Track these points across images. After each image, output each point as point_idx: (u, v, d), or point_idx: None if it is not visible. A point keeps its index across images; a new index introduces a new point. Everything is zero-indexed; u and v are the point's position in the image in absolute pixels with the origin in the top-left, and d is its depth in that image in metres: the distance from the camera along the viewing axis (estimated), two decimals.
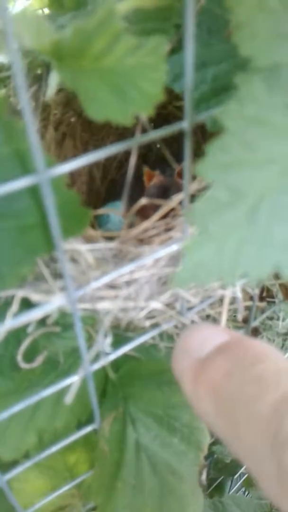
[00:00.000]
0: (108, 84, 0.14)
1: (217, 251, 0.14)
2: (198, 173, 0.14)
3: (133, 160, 0.21)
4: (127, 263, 0.23)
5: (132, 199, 0.38)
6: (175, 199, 0.22)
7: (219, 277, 0.15)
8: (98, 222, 0.36)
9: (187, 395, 0.18)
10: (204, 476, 0.30)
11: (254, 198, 0.14)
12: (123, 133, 0.40)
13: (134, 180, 0.38)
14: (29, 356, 0.27)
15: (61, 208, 0.16)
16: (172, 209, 0.24)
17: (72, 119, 0.34)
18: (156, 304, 0.24)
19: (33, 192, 0.16)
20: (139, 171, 0.38)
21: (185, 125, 0.18)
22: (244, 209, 0.14)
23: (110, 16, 0.14)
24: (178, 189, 0.38)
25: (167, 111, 0.37)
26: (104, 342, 0.23)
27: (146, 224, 0.23)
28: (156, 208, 0.25)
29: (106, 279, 0.20)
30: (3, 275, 0.17)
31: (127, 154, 0.42)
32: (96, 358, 0.25)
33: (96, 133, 0.38)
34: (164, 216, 0.24)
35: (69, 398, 0.22)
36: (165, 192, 0.38)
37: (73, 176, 0.37)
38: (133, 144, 0.17)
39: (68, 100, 0.32)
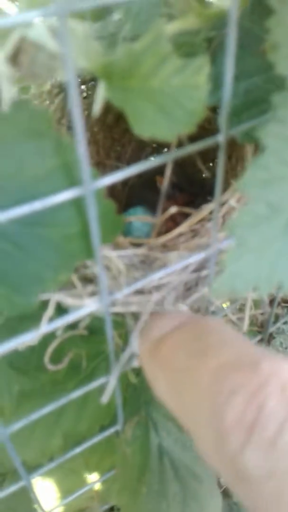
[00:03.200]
0: (154, 103, 0.16)
1: (255, 263, 0.15)
2: (239, 188, 0.15)
3: (168, 173, 0.23)
4: (155, 269, 0.24)
5: (148, 202, 0.39)
6: (206, 208, 0.23)
7: (255, 287, 0.16)
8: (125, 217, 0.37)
9: (145, 374, 0.19)
10: (222, 479, 0.31)
11: None
12: (144, 140, 0.41)
13: (147, 183, 0.39)
14: (54, 358, 0.28)
15: (100, 217, 0.17)
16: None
17: (95, 127, 0.35)
18: (182, 308, 0.25)
19: (76, 202, 0.17)
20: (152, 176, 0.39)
21: (220, 138, 0.19)
22: (281, 223, 0.15)
23: (158, 38, 0.15)
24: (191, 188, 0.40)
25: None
26: (134, 345, 0.25)
27: (175, 232, 0.24)
28: (182, 213, 0.26)
29: (137, 285, 0.22)
30: (45, 280, 0.18)
31: (146, 158, 0.43)
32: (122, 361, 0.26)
33: (117, 140, 0.39)
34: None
35: (105, 398, 0.24)
36: (178, 189, 0.39)
37: None
38: (169, 158, 0.19)
39: (89, 105, 0.33)
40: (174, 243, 0.26)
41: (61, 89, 0.30)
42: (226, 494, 0.66)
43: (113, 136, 0.38)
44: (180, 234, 0.26)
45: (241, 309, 0.32)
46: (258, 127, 0.15)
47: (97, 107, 0.17)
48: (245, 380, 0.14)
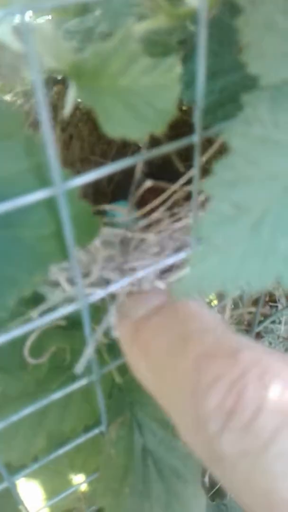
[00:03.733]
0: (124, 103, 0.16)
1: (221, 263, 0.15)
2: (205, 189, 0.15)
3: (137, 174, 0.23)
4: (133, 250, 0.24)
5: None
6: (180, 181, 0.24)
7: (222, 286, 0.16)
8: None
9: (126, 356, 0.19)
10: (206, 478, 0.31)
11: (258, 213, 0.15)
12: None
13: (132, 180, 0.39)
14: (37, 354, 0.28)
15: (74, 218, 0.17)
16: (178, 201, 0.25)
17: (80, 122, 0.35)
18: (160, 285, 0.25)
19: (49, 203, 0.17)
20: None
21: (195, 139, 0.19)
22: (248, 223, 0.15)
23: (127, 38, 0.15)
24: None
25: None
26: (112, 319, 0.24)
27: (150, 206, 0.24)
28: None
29: (113, 265, 0.22)
30: (19, 283, 0.18)
31: (132, 155, 0.43)
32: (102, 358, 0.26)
33: (103, 136, 0.39)
34: (171, 207, 0.25)
35: (79, 368, 0.24)
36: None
37: None
38: (144, 157, 0.19)
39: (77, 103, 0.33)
40: (153, 225, 0.26)
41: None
42: (218, 495, 0.66)
43: (99, 133, 0.38)
44: (160, 220, 0.26)
45: (223, 307, 0.32)
46: (227, 128, 0.15)
47: (68, 107, 0.17)
48: (225, 368, 0.15)
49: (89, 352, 0.24)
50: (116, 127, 0.16)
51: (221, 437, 0.14)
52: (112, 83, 0.16)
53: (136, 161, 0.18)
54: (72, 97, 0.16)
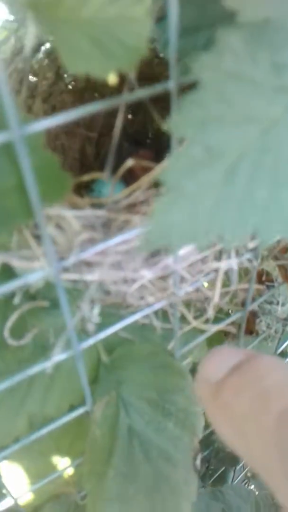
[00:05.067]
0: (87, 36, 0.14)
1: (191, 212, 0.14)
2: (172, 129, 0.14)
3: (120, 118, 0.21)
4: (116, 231, 0.23)
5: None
6: (165, 161, 0.22)
7: (192, 239, 0.14)
8: (89, 196, 0.35)
9: (209, 419, 0.19)
10: (198, 461, 0.30)
11: (233, 158, 0.14)
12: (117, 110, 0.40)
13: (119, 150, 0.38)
14: (18, 334, 0.27)
15: (38, 170, 0.16)
16: None
17: (63, 93, 0.34)
18: (147, 274, 0.24)
19: (10, 152, 0.16)
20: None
21: (171, 85, 0.17)
22: (221, 169, 0.14)
23: None
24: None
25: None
26: (92, 312, 0.23)
27: (134, 187, 0.23)
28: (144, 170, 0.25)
29: (93, 249, 0.20)
30: None
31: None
32: (87, 335, 0.25)
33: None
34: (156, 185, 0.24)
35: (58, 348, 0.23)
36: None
37: (64, 151, 0.37)
38: (120, 101, 0.17)
39: (58, 70, 0.32)
40: (138, 205, 0.24)
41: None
42: (218, 481, 0.65)
43: (83, 102, 0.36)
44: (143, 195, 0.24)
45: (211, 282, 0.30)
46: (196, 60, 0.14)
47: (28, 44, 0.15)
48: None
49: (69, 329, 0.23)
50: (79, 63, 0.14)
51: None
52: (72, 14, 0.14)
53: (116, 103, 0.16)
54: (32, 32, 0.15)
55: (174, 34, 0.16)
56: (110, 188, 0.23)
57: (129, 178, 0.38)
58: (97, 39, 0.15)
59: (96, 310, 0.24)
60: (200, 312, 0.33)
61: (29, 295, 0.26)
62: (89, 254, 0.21)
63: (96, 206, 0.24)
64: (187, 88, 0.19)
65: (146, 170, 0.24)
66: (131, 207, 0.24)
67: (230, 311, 0.36)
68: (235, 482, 0.72)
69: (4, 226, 0.17)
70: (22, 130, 0.15)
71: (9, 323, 0.26)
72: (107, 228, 0.23)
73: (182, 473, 0.29)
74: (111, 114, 0.39)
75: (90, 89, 0.36)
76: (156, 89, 0.18)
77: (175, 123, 0.13)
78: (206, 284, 0.31)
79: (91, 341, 0.25)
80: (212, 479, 0.63)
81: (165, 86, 0.18)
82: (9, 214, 0.17)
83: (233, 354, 0.19)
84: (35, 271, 0.20)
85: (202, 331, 0.33)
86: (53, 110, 0.33)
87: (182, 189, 0.13)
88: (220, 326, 0.32)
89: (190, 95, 0.13)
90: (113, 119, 0.39)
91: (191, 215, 0.14)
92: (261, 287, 0.37)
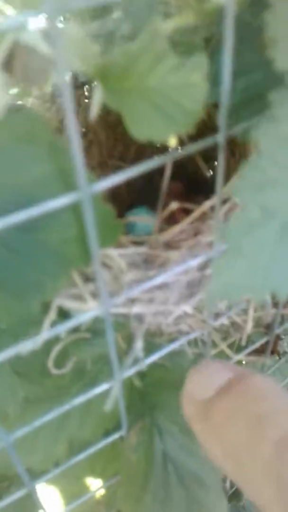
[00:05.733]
0: (151, 103, 0.15)
1: (248, 269, 0.15)
2: (233, 193, 0.15)
3: (167, 175, 0.22)
4: (157, 267, 0.24)
5: (150, 200, 0.39)
6: (206, 204, 0.23)
7: (250, 293, 0.15)
8: (125, 226, 0.37)
9: (197, 437, 0.19)
10: (228, 484, 0.31)
11: (285, 217, 0.15)
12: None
13: (149, 181, 0.39)
14: (58, 362, 0.28)
15: (98, 221, 0.17)
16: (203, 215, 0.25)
17: (98, 127, 0.35)
18: (186, 308, 0.25)
19: (74, 207, 0.17)
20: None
21: (219, 138, 0.18)
22: (275, 228, 0.15)
23: (154, 36, 0.15)
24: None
25: None
26: (138, 348, 0.24)
27: (176, 229, 0.24)
28: (183, 211, 0.26)
29: (141, 287, 0.21)
30: (44, 286, 0.18)
31: (150, 159, 0.43)
32: (127, 365, 0.26)
33: (120, 139, 0.39)
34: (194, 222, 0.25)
35: (109, 405, 0.24)
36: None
37: None
38: (169, 159, 0.18)
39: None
40: (176, 241, 0.25)
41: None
42: (235, 496, 0.65)
43: (116, 136, 0.38)
44: (182, 231, 0.25)
45: (246, 310, 0.31)
46: (254, 127, 0.15)
47: (95, 110, 0.16)
48: None
49: (116, 388, 0.24)
50: (143, 128, 0.15)
51: None
52: (139, 84, 0.15)
53: (164, 161, 0.18)
54: (98, 100, 0.16)
55: (227, 92, 0.17)
56: (154, 226, 0.24)
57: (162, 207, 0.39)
58: (159, 105, 0.16)
59: (140, 346, 0.25)
60: (225, 334, 0.34)
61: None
62: (136, 292, 0.22)
63: (136, 243, 0.25)
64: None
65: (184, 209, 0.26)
66: (170, 244, 0.25)
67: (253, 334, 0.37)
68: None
69: (64, 272, 0.18)
70: (90, 190, 0.16)
71: (53, 354, 0.27)
72: (149, 264, 0.24)
73: (212, 496, 0.30)
74: (143, 147, 0.40)
75: (121, 125, 0.37)
76: (206, 143, 0.19)
77: (235, 189, 0.14)
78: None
79: (132, 371, 0.26)
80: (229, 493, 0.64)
81: (214, 139, 0.19)
82: (68, 260, 0.18)
83: (221, 370, 0.19)
84: (87, 310, 0.21)
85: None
86: (90, 145, 0.35)
87: (241, 248, 0.14)
88: (249, 351, 0.33)
89: (249, 161, 0.14)
90: (144, 151, 0.40)
91: (249, 272, 0.15)
92: (286, 311, 0.37)
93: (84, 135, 0.34)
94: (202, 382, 0.19)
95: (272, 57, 0.17)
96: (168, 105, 0.16)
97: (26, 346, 0.19)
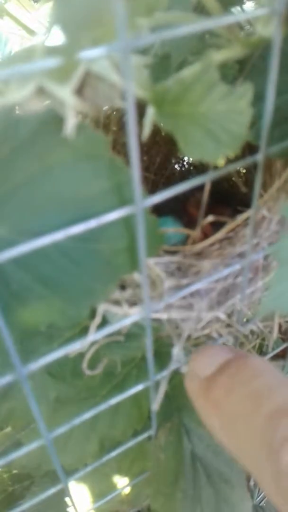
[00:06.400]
0: (202, 128, 0.17)
1: None
2: (282, 213, 0.16)
3: (205, 195, 0.24)
4: (191, 276, 0.25)
5: (174, 209, 0.40)
6: (241, 217, 0.24)
7: None
8: None
9: (198, 412, 0.20)
10: (252, 482, 0.32)
11: None
12: (171, 150, 0.43)
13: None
14: (90, 364, 0.30)
15: (146, 232, 0.19)
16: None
17: (125, 139, 0.37)
18: (219, 314, 0.26)
19: (125, 219, 0.18)
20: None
21: (259, 157, 0.20)
22: None
23: (207, 67, 0.16)
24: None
25: None
26: (178, 351, 0.26)
27: (210, 240, 0.25)
28: (212, 222, 0.27)
29: (181, 294, 0.23)
30: (96, 292, 0.19)
31: (173, 169, 0.45)
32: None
33: (146, 151, 0.40)
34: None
35: (155, 406, 0.25)
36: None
37: None
38: (208, 178, 0.20)
39: (120, 121, 0.35)
40: (208, 250, 0.27)
41: (119, 113, 0.32)
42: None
43: (142, 148, 0.39)
44: (213, 242, 0.27)
45: (267, 317, 0.33)
46: None
47: (146, 131, 0.18)
48: None
49: (162, 389, 0.25)
50: (194, 150, 0.17)
51: None
52: (192, 109, 0.17)
53: (206, 179, 0.19)
54: (150, 122, 0.18)
55: (269, 118, 0.19)
56: (189, 236, 0.26)
57: (184, 215, 0.40)
58: (209, 129, 0.17)
59: (180, 348, 0.26)
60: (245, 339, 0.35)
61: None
62: (174, 298, 0.23)
63: (170, 252, 0.26)
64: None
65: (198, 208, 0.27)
66: (202, 253, 0.26)
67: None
68: (261, 495, 0.74)
69: (114, 279, 0.20)
70: (143, 204, 0.17)
71: (88, 356, 0.28)
72: (182, 272, 0.26)
73: (239, 493, 0.31)
74: (166, 158, 0.42)
75: (148, 137, 0.39)
76: (246, 162, 0.20)
77: (285, 209, 0.16)
78: None
79: (165, 373, 0.27)
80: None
81: (254, 158, 0.20)
82: (118, 268, 0.20)
83: (223, 351, 0.20)
84: (126, 316, 0.23)
85: None
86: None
87: None
88: (271, 356, 0.35)
89: None
90: (168, 162, 0.42)
91: None
92: None
93: (113, 147, 0.36)
94: (204, 361, 0.20)
95: None
96: (217, 130, 0.17)
97: (74, 348, 0.21)
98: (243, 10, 0.32)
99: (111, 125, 0.34)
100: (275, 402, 0.17)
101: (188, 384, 0.21)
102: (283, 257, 0.16)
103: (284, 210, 0.16)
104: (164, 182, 0.44)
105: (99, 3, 0.12)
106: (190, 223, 0.39)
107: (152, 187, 0.43)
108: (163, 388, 0.25)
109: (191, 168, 0.46)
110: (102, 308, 0.22)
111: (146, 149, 0.40)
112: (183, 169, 0.45)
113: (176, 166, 0.43)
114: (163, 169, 0.42)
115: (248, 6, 0.29)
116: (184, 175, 0.46)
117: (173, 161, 0.42)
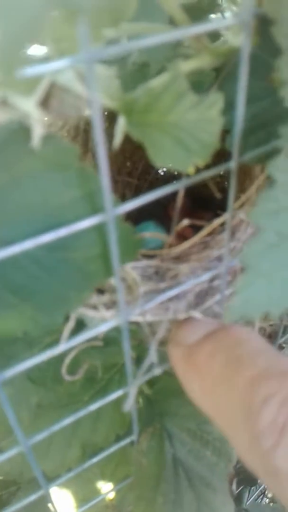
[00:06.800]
0: (171, 137, 0.17)
1: (266, 287, 0.17)
2: (251, 219, 0.16)
3: (179, 201, 0.24)
4: (168, 280, 0.25)
5: (156, 214, 0.41)
6: (217, 221, 0.25)
7: (267, 310, 0.17)
8: None
9: (179, 378, 0.20)
10: (234, 486, 0.32)
11: None
12: None
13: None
14: (70, 369, 0.29)
15: (119, 239, 0.19)
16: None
17: (107, 145, 0.37)
18: (196, 314, 0.26)
19: (97, 227, 0.19)
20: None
21: (232, 165, 0.20)
22: None
23: (176, 77, 0.16)
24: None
25: None
26: (153, 355, 0.26)
27: (187, 244, 0.25)
28: (190, 225, 0.28)
29: (158, 300, 0.23)
30: (69, 300, 0.19)
31: (156, 173, 0.45)
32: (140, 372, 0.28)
33: (128, 157, 0.40)
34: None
35: (127, 406, 0.25)
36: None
37: None
38: (182, 185, 0.20)
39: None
40: (186, 254, 0.27)
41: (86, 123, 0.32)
42: (237, 500, 0.66)
43: (125, 154, 0.40)
44: (192, 246, 0.27)
45: (249, 321, 0.33)
46: (267, 156, 0.16)
47: (117, 141, 0.18)
48: (277, 387, 0.16)
49: (133, 391, 0.25)
50: (164, 159, 0.17)
51: (275, 453, 0.15)
52: (161, 119, 0.17)
53: (179, 187, 0.19)
54: (121, 131, 0.18)
55: (240, 126, 0.19)
56: (166, 241, 0.26)
57: (165, 218, 0.41)
58: (179, 138, 0.17)
59: (155, 351, 0.27)
60: None
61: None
62: (153, 304, 0.23)
63: (147, 256, 0.26)
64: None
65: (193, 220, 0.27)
66: (180, 257, 0.26)
67: None
68: (250, 500, 0.74)
69: (88, 286, 0.20)
70: (114, 212, 0.17)
71: (67, 361, 0.28)
72: (159, 275, 0.26)
73: (220, 497, 0.31)
74: (149, 164, 0.42)
75: (129, 143, 0.39)
76: (219, 169, 0.20)
77: (253, 215, 0.16)
78: None
79: (145, 378, 0.27)
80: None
81: (227, 166, 0.20)
82: (92, 276, 0.20)
83: (208, 322, 0.21)
84: (103, 320, 0.23)
85: None
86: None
87: (258, 269, 0.16)
88: None
89: (265, 192, 0.16)
90: (151, 168, 0.42)
91: (266, 290, 0.16)
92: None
93: (94, 155, 0.36)
94: (189, 330, 0.21)
95: (282, 97, 0.18)
96: (187, 139, 0.17)
97: (46, 356, 0.21)
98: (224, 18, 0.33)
99: (92, 131, 0.34)
100: (257, 367, 0.17)
101: (171, 350, 0.21)
102: (249, 263, 0.16)
103: (252, 217, 0.16)
104: (148, 187, 0.44)
105: (39, 14, 0.12)
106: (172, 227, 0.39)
107: (135, 192, 0.43)
108: (134, 390, 0.25)
109: (176, 173, 0.46)
110: (75, 313, 0.22)
111: (129, 154, 0.40)
112: (167, 174, 0.45)
113: (160, 171, 0.44)
114: (147, 174, 0.42)
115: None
116: (168, 180, 0.46)
117: (156, 168, 0.42)
